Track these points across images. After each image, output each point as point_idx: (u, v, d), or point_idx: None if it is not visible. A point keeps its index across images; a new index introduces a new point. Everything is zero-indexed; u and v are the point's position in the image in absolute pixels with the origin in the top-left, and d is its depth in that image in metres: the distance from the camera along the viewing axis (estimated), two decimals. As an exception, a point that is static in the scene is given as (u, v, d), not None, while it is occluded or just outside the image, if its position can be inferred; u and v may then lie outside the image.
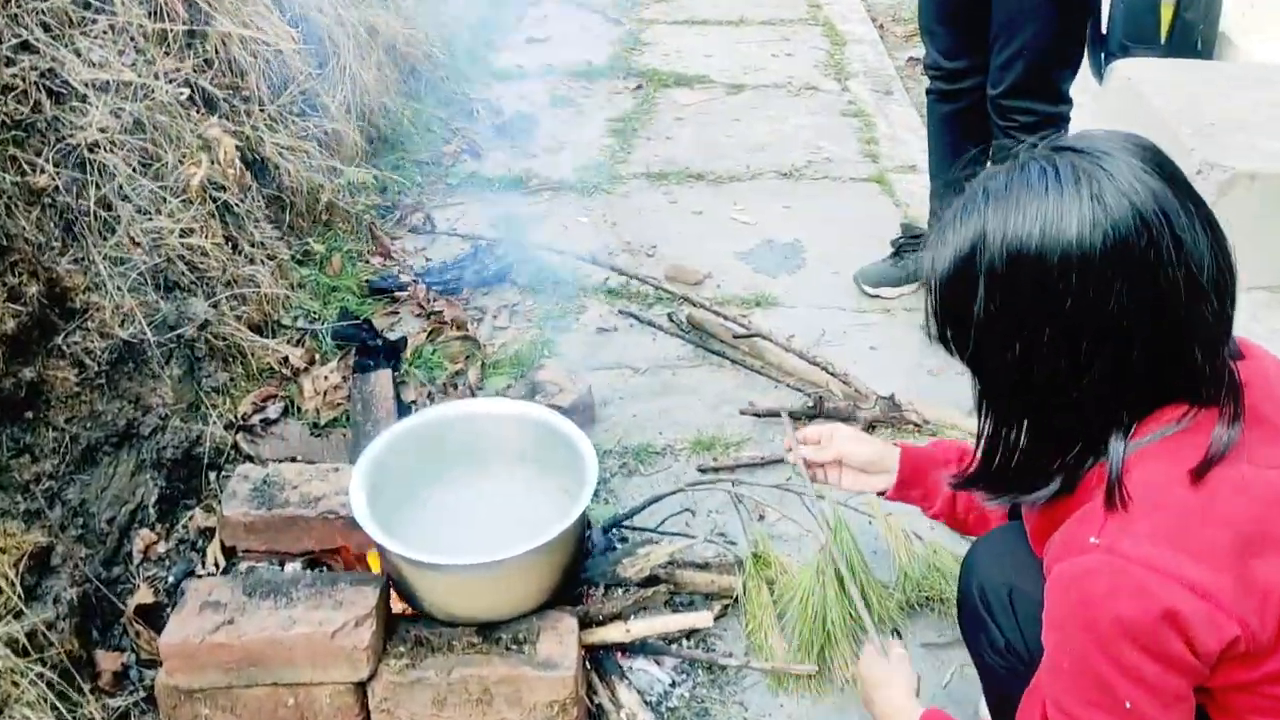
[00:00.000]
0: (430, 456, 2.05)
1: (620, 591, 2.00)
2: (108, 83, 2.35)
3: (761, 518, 2.27)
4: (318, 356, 2.65)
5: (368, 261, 3.17)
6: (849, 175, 3.91)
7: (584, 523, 1.99)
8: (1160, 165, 1.10)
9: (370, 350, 2.67)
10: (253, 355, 2.50)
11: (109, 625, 1.93)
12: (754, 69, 4.89)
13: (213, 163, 2.57)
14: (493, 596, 1.81)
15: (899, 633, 1.97)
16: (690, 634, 2.02)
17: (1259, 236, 2.93)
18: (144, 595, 1.97)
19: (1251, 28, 4.42)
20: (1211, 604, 1.04)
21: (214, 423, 2.30)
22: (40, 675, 1.70)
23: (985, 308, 1.13)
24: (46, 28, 2.27)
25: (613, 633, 1.93)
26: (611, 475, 2.44)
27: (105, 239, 2.21)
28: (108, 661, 1.86)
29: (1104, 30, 4.24)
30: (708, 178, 3.89)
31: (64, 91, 2.23)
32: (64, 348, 2.01)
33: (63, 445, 1.96)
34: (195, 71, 2.73)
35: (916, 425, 2.55)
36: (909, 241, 3.13)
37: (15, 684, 1.66)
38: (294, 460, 2.34)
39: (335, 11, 3.49)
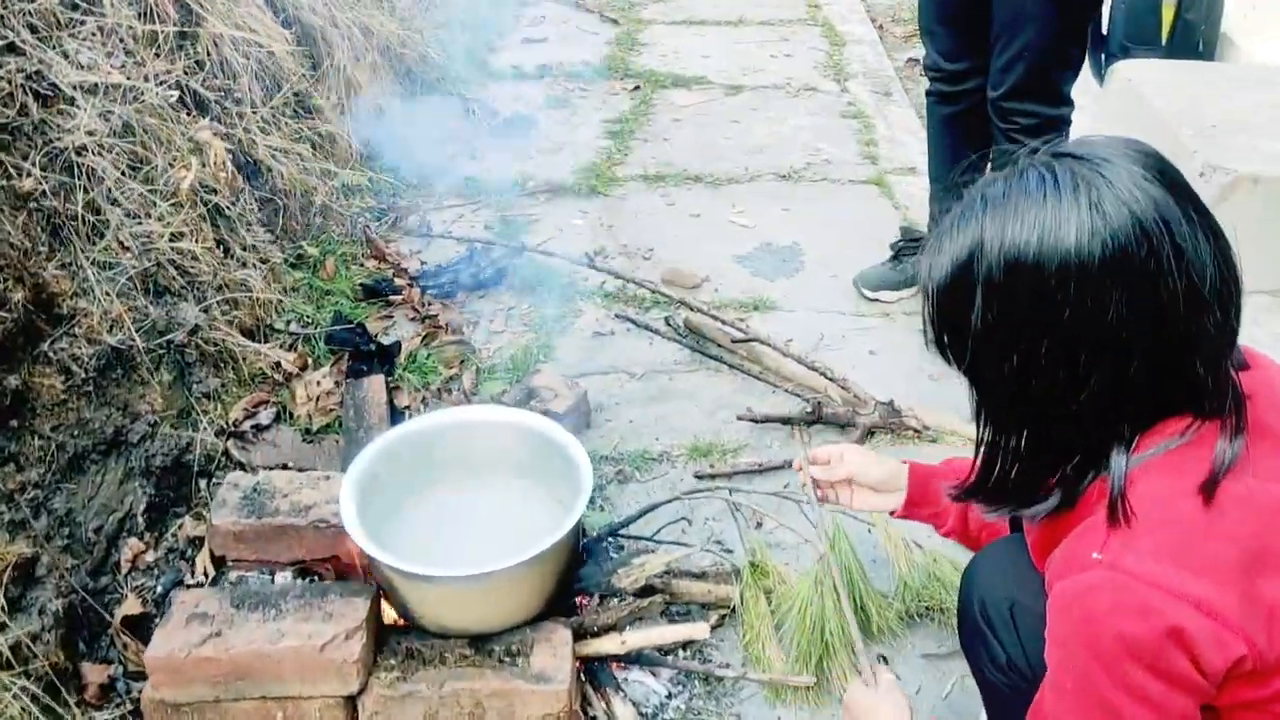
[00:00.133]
0: (423, 465, 2.03)
1: (615, 602, 1.97)
2: (96, 85, 2.32)
3: (759, 525, 2.25)
4: (310, 361, 2.62)
5: (362, 265, 3.14)
6: (848, 177, 3.88)
7: (578, 532, 1.97)
8: (1162, 172, 1.08)
9: (364, 355, 2.64)
10: (244, 360, 2.47)
11: (96, 637, 1.90)
12: (752, 70, 4.86)
13: (203, 165, 2.55)
14: (485, 608, 1.79)
15: (885, 658, 1.95)
16: (687, 645, 1.99)
17: (1261, 240, 2.91)
18: (132, 606, 1.95)
19: (1253, 29, 4.39)
20: (1217, 621, 1.02)
21: (204, 429, 2.27)
22: (24, 689, 1.67)
23: (982, 317, 1.10)
24: (34, 29, 2.24)
25: (608, 644, 1.90)
26: (607, 482, 2.41)
27: (93, 243, 2.18)
28: (94, 674, 1.84)
29: (1105, 31, 4.22)
30: (705, 180, 3.86)
31: (51, 94, 2.20)
32: (50, 354, 1.99)
33: (49, 454, 1.93)
34: (186, 73, 2.71)
35: (916, 431, 2.52)
36: (908, 244, 3.10)
37: (-2, 698, 1.63)
38: (286, 467, 2.31)
39: (329, 12, 3.47)
